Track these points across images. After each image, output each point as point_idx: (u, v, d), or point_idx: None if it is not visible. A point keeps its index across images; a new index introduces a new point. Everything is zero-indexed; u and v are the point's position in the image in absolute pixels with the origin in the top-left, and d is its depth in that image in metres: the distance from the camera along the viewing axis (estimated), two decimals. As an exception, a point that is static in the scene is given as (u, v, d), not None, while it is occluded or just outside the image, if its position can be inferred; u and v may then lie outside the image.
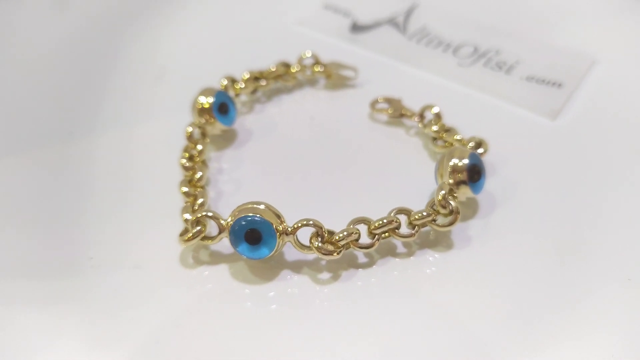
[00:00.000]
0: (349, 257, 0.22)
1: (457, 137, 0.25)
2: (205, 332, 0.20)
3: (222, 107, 0.25)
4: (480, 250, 0.22)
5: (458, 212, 0.21)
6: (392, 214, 0.21)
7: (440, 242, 0.22)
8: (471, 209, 0.23)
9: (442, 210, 0.21)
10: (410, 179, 0.25)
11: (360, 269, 0.21)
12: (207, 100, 0.25)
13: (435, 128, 0.25)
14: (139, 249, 0.22)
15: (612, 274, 0.22)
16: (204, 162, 0.24)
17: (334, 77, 0.29)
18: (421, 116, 0.26)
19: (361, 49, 0.31)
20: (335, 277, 0.21)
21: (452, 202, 0.21)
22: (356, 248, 0.21)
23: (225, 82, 0.26)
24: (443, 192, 0.21)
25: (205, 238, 0.21)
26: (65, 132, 0.26)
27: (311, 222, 0.20)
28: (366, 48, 0.31)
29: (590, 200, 0.24)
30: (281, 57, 0.29)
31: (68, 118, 0.27)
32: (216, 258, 0.22)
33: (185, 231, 0.21)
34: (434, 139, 0.25)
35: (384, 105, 0.27)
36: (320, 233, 0.21)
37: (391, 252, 0.22)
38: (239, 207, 0.20)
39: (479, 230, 0.23)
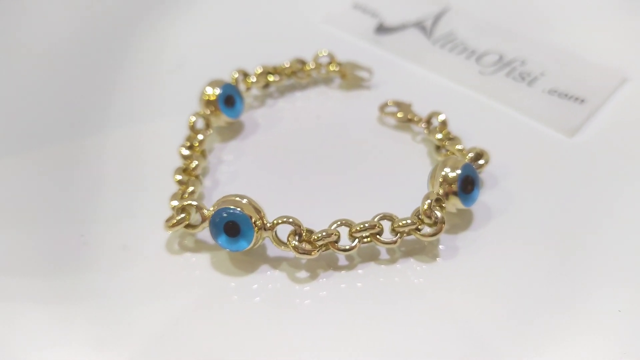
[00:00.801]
0: (330, 259, 0.22)
1: (459, 146, 0.24)
2: (186, 321, 0.20)
3: (229, 100, 0.25)
4: (466, 261, 0.22)
5: (443, 223, 0.21)
6: (375, 219, 0.21)
7: (426, 251, 0.22)
8: (465, 220, 0.23)
9: (427, 220, 0.21)
10: (410, 185, 0.24)
11: (340, 271, 0.21)
12: (213, 92, 0.25)
13: (439, 136, 0.25)
14: (129, 231, 0.22)
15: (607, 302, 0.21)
16: (202, 152, 0.24)
17: (348, 77, 0.29)
18: (428, 122, 0.26)
19: (383, 51, 0.31)
20: (313, 277, 0.21)
21: (438, 213, 0.21)
22: (335, 250, 0.21)
23: (236, 75, 0.27)
24: (429, 201, 0.21)
25: (189, 226, 0.21)
26: (69, 126, 0.26)
27: (290, 220, 0.21)
28: (388, 50, 0.31)
29: (591, 225, 0.23)
30: (303, 54, 0.29)
31: (76, 114, 0.27)
32: (200, 246, 0.22)
33: (171, 217, 0.21)
34: (437, 147, 0.25)
35: (394, 109, 0.27)
36: (298, 231, 0.21)
37: (374, 257, 0.22)
38: (221, 198, 0.21)
39: (467, 242, 0.22)
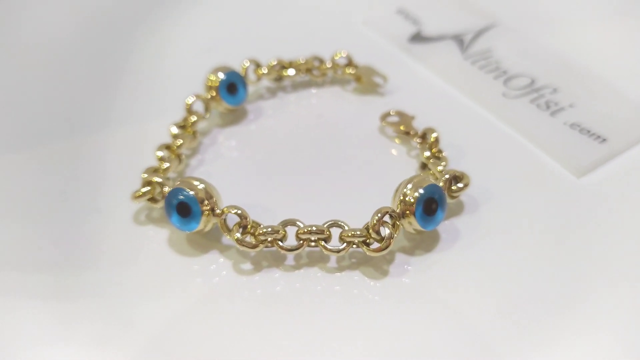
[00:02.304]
0: (279, 256, 0.22)
1: (440, 167, 0.23)
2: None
3: (231, 87, 0.26)
4: (412, 285, 0.21)
5: (390, 239, 0.20)
6: (325, 225, 0.21)
7: (376, 266, 0.21)
8: (428, 241, 0.22)
9: (374, 235, 0.20)
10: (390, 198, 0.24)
11: (284, 271, 0.21)
12: (216, 77, 0.26)
13: (427, 153, 0.24)
14: (104, 197, 0.24)
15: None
16: (194, 133, 0.25)
17: (364, 81, 0.28)
18: (423, 138, 0.25)
19: (411, 60, 0.30)
20: (256, 270, 0.21)
21: (386, 230, 0.20)
22: (279, 248, 0.21)
23: (247, 65, 0.27)
24: (378, 216, 0.20)
25: (152, 199, 0.22)
26: (71, 123, 0.27)
27: (239, 212, 0.21)
28: (416, 59, 0.30)
29: (572, 280, 0.21)
30: (332, 52, 0.29)
31: (79, 111, 0.27)
32: (163, 221, 0.23)
33: (137, 190, 0.22)
34: (423, 164, 0.24)
35: (395, 119, 0.26)
36: (243, 223, 0.21)
37: (323, 262, 0.22)
38: (181, 179, 0.22)
39: (421, 264, 0.21)
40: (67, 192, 0.24)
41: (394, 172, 0.25)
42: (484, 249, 0.22)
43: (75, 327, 0.20)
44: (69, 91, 0.28)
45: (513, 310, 0.20)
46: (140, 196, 0.22)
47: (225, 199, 0.23)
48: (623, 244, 0.22)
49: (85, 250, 0.22)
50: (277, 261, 0.22)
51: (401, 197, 0.21)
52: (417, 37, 0.31)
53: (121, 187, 0.24)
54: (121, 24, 0.32)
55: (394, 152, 0.26)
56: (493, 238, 0.22)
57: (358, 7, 0.34)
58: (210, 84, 0.26)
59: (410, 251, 0.22)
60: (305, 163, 0.25)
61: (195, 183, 0.21)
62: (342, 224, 0.21)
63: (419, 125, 0.26)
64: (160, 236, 0.22)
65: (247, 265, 0.21)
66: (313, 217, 0.22)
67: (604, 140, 0.25)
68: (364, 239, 0.21)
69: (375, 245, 0.21)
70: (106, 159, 0.25)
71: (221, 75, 0.26)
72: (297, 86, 0.29)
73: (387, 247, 0.20)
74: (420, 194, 0.21)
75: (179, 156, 0.24)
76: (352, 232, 0.20)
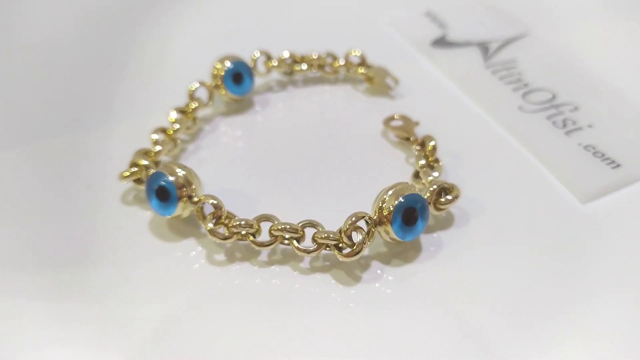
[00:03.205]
0: (254, 250, 0.21)
1: (430, 177, 0.22)
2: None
3: (237, 77, 0.26)
4: (382, 295, 0.20)
5: (362, 244, 0.20)
6: (299, 224, 0.20)
7: (348, 271, 0.21)
8: (415, 251, 0.21)
9: (345, 239, 0.20)
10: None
11: (253, 265, 0.21)
12: (222, 66, 0.26)
13: (422, 162, 0.23)
14: (91, 170, 0.24)
15: None
16: (194, 120, 0.25)
17: (375, 82, 0.27)
18: (422, 145, 0.24)
19: (429, 64, 0.29)
20: (228, 262, 0.21)
21: (359, 235, 0.20)
22: (251, 242, 0.21)
23: (257, 55, 0.27)
24: (351, 220, 0.20)
25: (138, 181, 0.22)
26: (72, 122, 0.26)
27: (214, 202, 0.21)
28: (435, 64, 0.29)
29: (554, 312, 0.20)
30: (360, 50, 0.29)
31: (79, 109, 0.27)
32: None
33: (126, 170, 0.22)
34: (416, 172, 0.23)
35: (399, 123, 0.25)
36: (217, 214, 0.21)
37: (296, 261, 0.21)
38: (164, 163, 0.22)
39: (398, 274, 0.20)
40: (69, 190, 0.23)
41: (389, 178, 0.24)
42: (465, 264, 0.21)
43: (75, 326, 0.20)
44: (72, 87, 0.28)
45: (482, 331, 0.19)
46: (127, 177, 0.22)
47: (213, 187, 0.23)
48: (612, 278, 0.20)
49: (86, 249, 0.22)
50: (250, 255, 0.21)
51: (379, 204, 0.20)
52: (441, 42, 0.30)
53: (125, 184, 0.23)
54: (131, 13, 0.32)
55: (392, 157, 0.25)
56: (476, 254, 0.21)
57: (385, 7, 0.33)
58: (215, 72, 0.26)
59: (386, 260, 0.21)
60: (299, 159, 0.25)
61: (177, 169, 0.21)
62: (317, 224, 0.20)
63: (425, 131, 0.25)
64: (167, 231, 0.22)
65: (221, 256, 0.21)
66: (297, 214, 0.21)
67: (618, 165, 0.23)
68: (336, 242, 0.20)
69: (348, 250, 0.20)
70: (106, 158, 0.25)
71: (228, 64, 0.26)
72: (308, 82, 0.29)
73: (357, 253, 0.20)
74: (399, 202, 0.20)
75: (174, 140, 0.24)
76: (325, 235, 0.20)
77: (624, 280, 0.20)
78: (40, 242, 0.22)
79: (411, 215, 0.20)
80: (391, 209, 0.20)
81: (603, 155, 0.24)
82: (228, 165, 0.25)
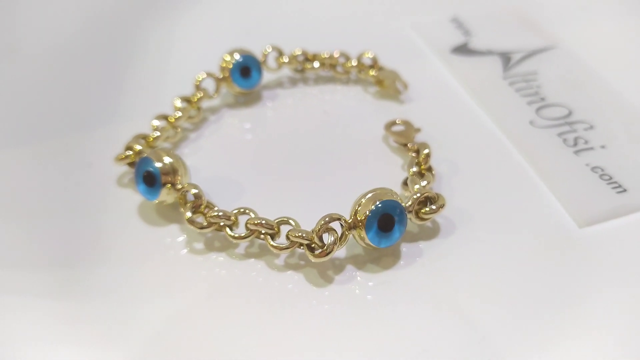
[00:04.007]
0: (230, 242, 0.21)
1: (417, 186, 0.21)
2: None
3: (244, 70, 0.26)
4: (348, 295, 0.20)
5: (334, 245, 0.19)
6: (275, 220, 0.20)
7: (320, 271, 0.20)
8: (394, 258, 0.21)
9: (316, 240, 0.20)
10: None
11: (230, 257, 0.21)
12: (231, 58, 0.26)
13: (414, 169, 0.22)
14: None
15: None
16: (199, 109, 0.26)
17: (385, 85, 0.27)
18: (417, 152, 0.23)
19: (446, 70, 0.28)
20: (205, 251, 0.21)
21: (331, 237, 0.19)
22: (226, 234, 0.21)
23: (269, 50, 0.27)
24: (324, 221, 0.19)
25: (132, 165, 0.23)
26: (77, 120, 0.26)
27: (195, 191, 0.21)
28: (451, 71, 0.28)
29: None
30: (373, 53, 0.28)
31: (84, 108, 0.27)
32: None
33: (120, 153, 0.23)
34: (406, 179, 0.22)
35: (400, 128, 0.25)
36: (197, 203, 0.21)
37: (272, 256, 0.21)
38: (153, 149, 0.22)
39: (365, 278, 0.20)
40: (72, 189, 0.23)
41: (381, 183, 0.23)
42: (442, 275, 0.20)
43: (78, 325, 0.19)
44: (79, 86, 0.28)
45: (447, 346, 0.18)
46: (122, 159, 0.23)
47: (206, 175, 0.23)
48: (598, 308, 0.19)
49: (88, 249, 0.21)
50: (228, 246, 0.21)
51: (356, 208, 0.20)
52: (462, 49, 0.29)
53: (129, 183, 0.24)
54: (137, 10, 0.33)
55: (389, 162, 0.24)
56: (454, 266, 0.20)
57: (412, 11, 0.33)
58: (224, 65, 0.26)
59: (361, 264, 0.20)
60: (296, 156, 0.25)
61: (164, 156, 0.22)
62: (293, 222, 0.20)
63: (429, 138, 0.24)
64: (169, 231, 0.22)
65: (200, 245, 0.22)
66: (283, 210, 0.21)
67: (624, 190, 0.22)
68: (309, 242, 0.20)
69: (319, 250, 0.20)
70: (111, 157, 0.24)
71: (236, 57, 0.26)
72: (319, 80, 0.28)
73: (327, 254, 0.19)
74: (376, 207, 0.19)
75: (175, 127, 0.25)
76: (298, 233, 0.20)
77: (611, 314, 0.19)
78: (43, 241, 0.22)
79: (388, 222, 0.20)
80: (367, 213, 0.19)
81: (610, 178, 0.23)
82: (224, 155, 0.25)
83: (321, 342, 0.19)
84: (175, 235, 0.22)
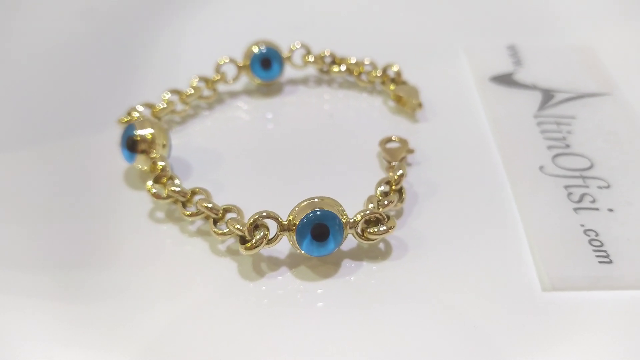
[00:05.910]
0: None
1: (371, 204, 0.20)
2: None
3: (265, 62, 0.26)
4: (269, 295, 0.19)
5: (262, 240, 0.19)
6: (222, 206, 0.20)
7: (252, 261, 0.20)
8: (334, 267, 0.20)
9: (246, 233, 0.19)
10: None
11: (205, 238, 0.21)
12: (253, 48, 0.27)
13: (381, 188, 0.21)
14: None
15: None
16: (215, 90, 0.27)
17: (403, 101, 0.26)
18: (394, 172, 0.22)
19: (476, 97, 0.27)
20: (167, 220, 0.22)
21: (259, 233, 0.19)
22: (179, 208, 0.21)
23: (297, 47, 0.27)
24: (255, 217, 0.19)
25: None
26: (81, 122, 0.26)
27: (162, 163, 0.21)
28: (482, 98, 0.26)
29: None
30: (413, 65, 0.27)
31: (89, 110, 0.27)
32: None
33: (122, 117, 0.25)
34: (370, 196, 0.21)
35: (395, 145, 0.24)
36: (160, 174, 0.21)
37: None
38: (142, 117, 0.23)
39: (289, 282, 0.19)
40: (76, 191, 0.23)
41: (363, 195, 0.22)
42: (375, 297, 0.19)
43: (80, 327, 0.19)
44: (86, 86, 0.28)
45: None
46: (123, 122, 0.24)
47: (200, 156, 0.24)
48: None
49: (91, 251, 0.21)
50: (181, 221, 0.22)
51: (295, 211, 0.19)
52: (504, 78, 0.27)
53: (134, 183, 0.23)
54: (145, 10, 0.33)
55: (377, 177, 0.23)
56: (392, 295, 0.19)
57: (469, 34, 0.31)
58: (248, 54, 0.27)
59: (295, 268, 0.20)
60: (290, 152, 0.24)
61: (148, 125, 0.23)
62: (237, 210, 0.20)
63: (424, 161, 0.23)
64: (171, 232, 0.22)
65: (161, 214, 0.22)
66: (259, 204, 0.21)
67: (609, 262, 0.19)
68: (242, 234, 0.20)
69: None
70: (115, 159, 0.24)
71: (261, 47, 0.27)
72: (343, 84, 0.28)
73: (252, 249, 0.19)
74: (313, 214, 0.19)
75: (186, 103, 0.26)
76: (235, 223, 0.20)
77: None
78: (46, 244, 0.21)
79: (322, 231, 0.19)
80: (305, 220, 0.19)
81: (601, 244, 0.20)
82: (220, 137, 0.25)
83: (321, 341, 0.18)
84: (175, 237, 0.22)
